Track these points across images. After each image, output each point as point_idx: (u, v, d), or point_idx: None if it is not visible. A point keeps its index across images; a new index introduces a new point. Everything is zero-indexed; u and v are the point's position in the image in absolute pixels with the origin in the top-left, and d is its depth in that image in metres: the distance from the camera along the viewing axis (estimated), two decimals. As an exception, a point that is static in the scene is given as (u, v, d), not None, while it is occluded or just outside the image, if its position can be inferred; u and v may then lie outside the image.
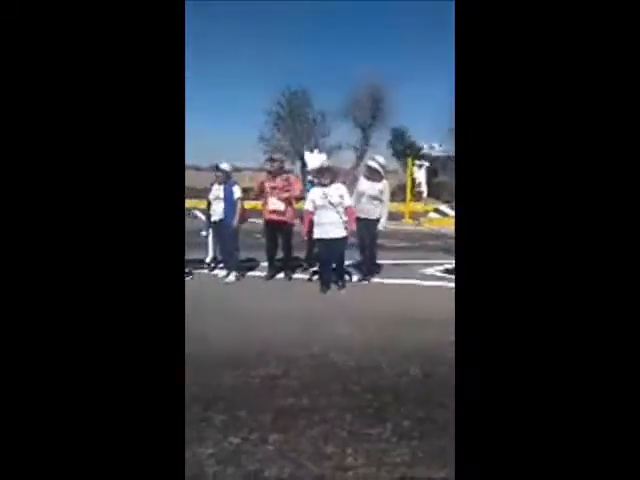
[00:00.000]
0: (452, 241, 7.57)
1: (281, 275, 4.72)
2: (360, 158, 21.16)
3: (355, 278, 4.68)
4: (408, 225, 10.74)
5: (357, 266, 4.92)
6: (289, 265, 4.75)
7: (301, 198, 4.56)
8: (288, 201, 4.49)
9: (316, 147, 4.35)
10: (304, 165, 12.99)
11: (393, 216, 11.55)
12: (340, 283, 4.32)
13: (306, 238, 4.55)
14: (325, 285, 4.19)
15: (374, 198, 4.45)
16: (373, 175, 4.49)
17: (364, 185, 4.50)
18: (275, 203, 4.42)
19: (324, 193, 4.07)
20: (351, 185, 4.83)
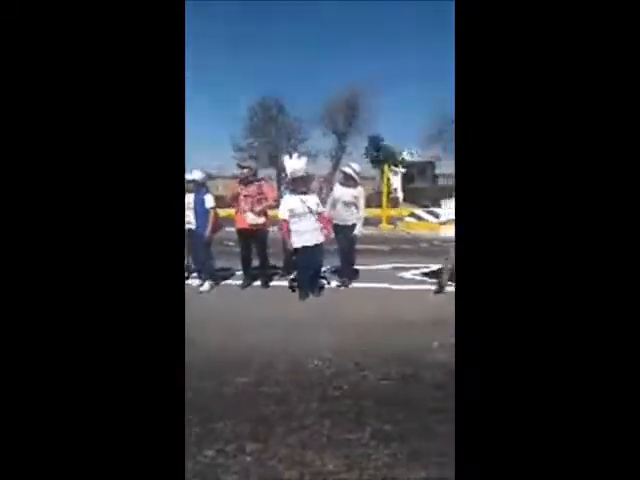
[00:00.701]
0: (427, 245, 7.68)
1: (257, 283, 4.67)
2: (336, 165, 21.32)
3: (334, 284, 4.68)
4: (386, 230, 10.86)
5: (335, 272, 4.93)
6: (265, 273, 4.71)
7: (275, 206, 4.53)
8: (262, 210, 4.46)
9: (294, 152, 4.31)
10: (280, 171, 12.95)
11: (371, 221, 11.67)
12: (318, 289, 4.32)
13: (284, 246, 4.52)
14: (304, 292, 4.17)
15: (350, 204, 4.48)
16: (348, 182, 4.53)
17: (339, 191, 4.53)
18: (251, 217, 4.37)
19: (302, 200, 4.07)
20: (327, 191, 4.83)
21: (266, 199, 4.45)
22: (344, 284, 4.61)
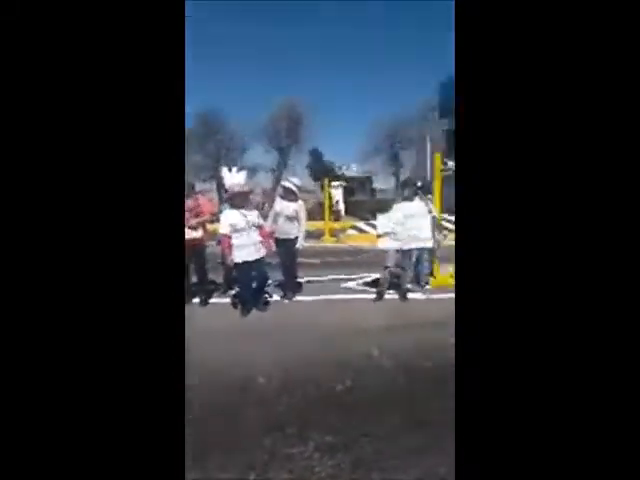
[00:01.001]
0: (368, 256, 7.88)
1: (196, 300, 4.50)
2: (277, 179, 21.39)
3: (277, 297, 4.64)
4: (328, 242, 11.04)
5: (278, 286, 4.90)
6: (204, 289, 4.55)
7: (213, 220, 4.43)
8: (199, 224, 4.34)
9: (234, 166, 4.25)
10: (220, 185, 12.63)
11: (314, 234, 11.79)
12: (263, 304, 4.26)
13: (224, 261, 4.41)
14: (246, 308, 4.09)
15: (291, 218, 4.51)
16: (288, 195, 4.57)
17: (280, 205, 4.54)
18: (187, 231, 4.23)
19: (243, 214, 4.02)
20: (269, 205, 4.80)
21: (203, 213, 4.33)
22: (288, 297, 4.60)
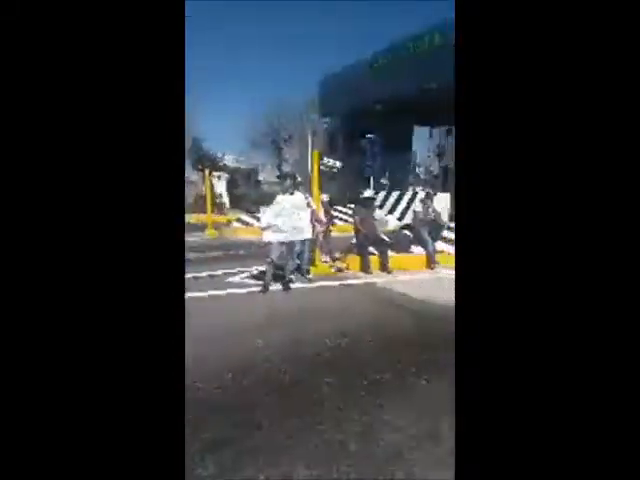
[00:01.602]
0: (253, 249, 7.92)
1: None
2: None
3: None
4: (211, 236, 10.73)
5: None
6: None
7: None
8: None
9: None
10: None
11: (196, 227, 11.32)
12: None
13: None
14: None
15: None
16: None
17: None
18: None
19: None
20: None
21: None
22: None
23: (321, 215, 6.47)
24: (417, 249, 6.38)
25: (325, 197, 6.64)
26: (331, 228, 6.64)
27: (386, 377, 2.49)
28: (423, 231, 6.20)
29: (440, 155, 18.17)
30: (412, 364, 2.69)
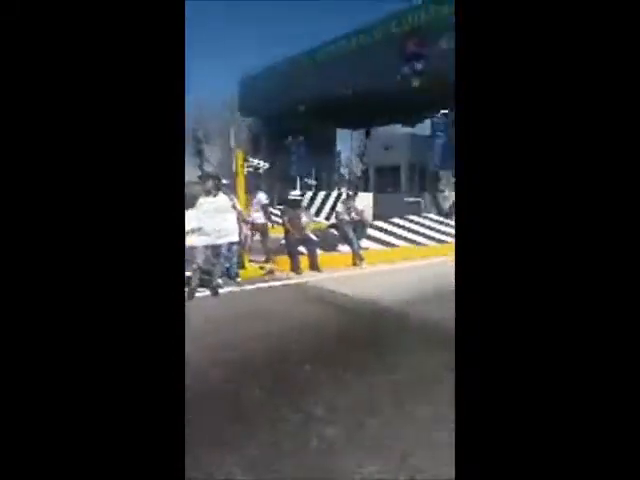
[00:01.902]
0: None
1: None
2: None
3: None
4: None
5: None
6: None
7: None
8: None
9: None
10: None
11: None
12: None
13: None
14: None
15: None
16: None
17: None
18: None
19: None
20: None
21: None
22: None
23: (256, 216, 6.35)
24: (344, 247, 6.57)
25: (264, 198, 6.53)
26: (268, 229, 6.55)
27: (319, 374, 2.52)
28: (348, 230, 6.39)
29: (361, 156, 18.95)
30: (341, 360, 2.75)
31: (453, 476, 1.00)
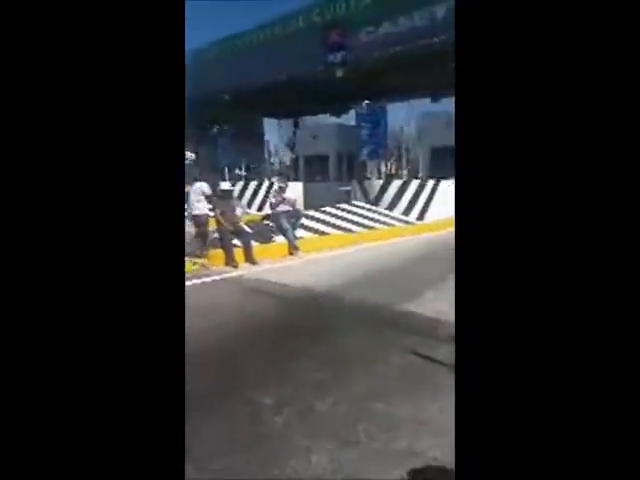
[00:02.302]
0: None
1: None
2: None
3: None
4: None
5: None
6: None
7: None
8: None
9: None
10: None
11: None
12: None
13: None
14: None
15: None
16: None
17: None
18: None
19: None
20: None
21: None
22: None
23: (197, 206, 6.04)
24: (279, 238, 6.62)
25: (207, 187, 6.20)
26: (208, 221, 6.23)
27: (260, 364, 2.58)
28: (282, 220, 6.44)
29: (291, 146, 18.95)
30: (282, 350, 2.84)
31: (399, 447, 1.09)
